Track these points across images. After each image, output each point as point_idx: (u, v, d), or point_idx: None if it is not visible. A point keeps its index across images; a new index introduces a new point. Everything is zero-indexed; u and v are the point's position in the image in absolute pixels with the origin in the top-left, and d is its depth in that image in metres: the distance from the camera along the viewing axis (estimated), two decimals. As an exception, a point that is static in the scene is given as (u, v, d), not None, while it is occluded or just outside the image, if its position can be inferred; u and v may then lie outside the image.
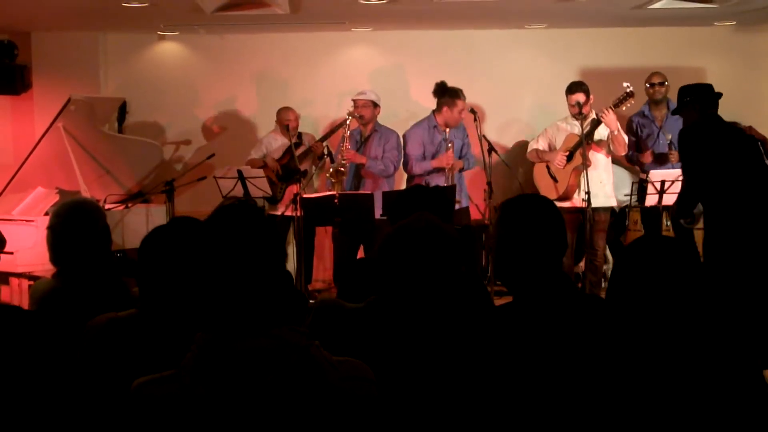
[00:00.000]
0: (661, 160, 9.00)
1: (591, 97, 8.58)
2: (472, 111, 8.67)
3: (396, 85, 10.45)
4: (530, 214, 3.05)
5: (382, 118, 9.18)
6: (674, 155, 8.65)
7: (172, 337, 2.83)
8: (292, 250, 9.11)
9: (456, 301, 2.99)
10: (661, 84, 9.09)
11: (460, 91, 8.72)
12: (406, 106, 10.28)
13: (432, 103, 8.94)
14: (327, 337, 2.84)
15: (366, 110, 8.97)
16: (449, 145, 8.60)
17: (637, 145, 9.23)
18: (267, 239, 2.45)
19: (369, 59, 10.59)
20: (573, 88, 8.61)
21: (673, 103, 8.90)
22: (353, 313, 3.09)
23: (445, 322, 2.96)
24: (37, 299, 3.70)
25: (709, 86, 6.78)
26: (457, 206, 8.45)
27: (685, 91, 6.78)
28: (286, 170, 9.16)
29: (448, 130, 8.66)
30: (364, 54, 10.61)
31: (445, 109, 8.72)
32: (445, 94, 8.73)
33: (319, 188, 9.79)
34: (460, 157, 8.82)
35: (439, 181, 8.56)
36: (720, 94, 6.69)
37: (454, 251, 3.01)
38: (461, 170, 8.83)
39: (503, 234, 3.06)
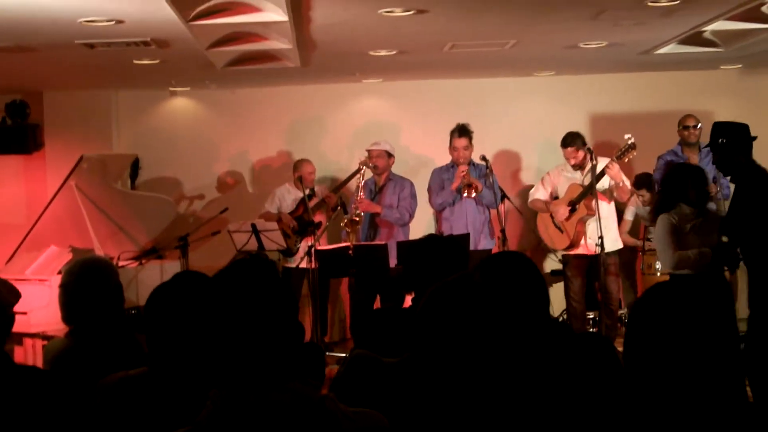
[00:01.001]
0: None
1: (586, 146, 8.65)
2: (484, 158, 8.69)
3: (407, 134, 10.45)
4: (507, 271, 3.29)
5: (393, 167, 9.19)
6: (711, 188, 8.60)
7: (184, 395, 2.80)
8: (307, 302, 9.05)
9: (496, 360, 2.99)
10: (695, 126, 9.05)
11: (457, 128, 8.86)
12: (417, 155, 10.28)
13: (441, 151, 9.00)
14: (360, 390, 2.81)
15: (380, 160, 9.00)
16: (461, 167, 8.74)
17: None
18: (279, 293, 2.42)
19: (380, 109, 10.61)
20: (566, 142, 8.71)
21: (703, 143, 8.87)
22: (389, 368, 3.06)
23: (483, 381, 2.94)
24: (51, 359, 3.69)
25: (746, 126, 6.72)
26: (479, 247, 8.52)
27: (721, 130, 6.68)
28: (301, 222, 9.13)
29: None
30: (375, 104, 10.63)
31: (449, 148, 8.89)
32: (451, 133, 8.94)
33: (336, 239, 9.76)
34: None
35: (469, 210, 8.80)
36: (755, 137, 6.66)
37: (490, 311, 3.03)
38: (477, 192, 8.77)
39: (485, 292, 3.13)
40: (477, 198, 8.73)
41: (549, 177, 8.95)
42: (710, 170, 8.21)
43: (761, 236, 6.28)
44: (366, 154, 9.13)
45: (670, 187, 6.70)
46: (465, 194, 8.63)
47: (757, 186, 6.38)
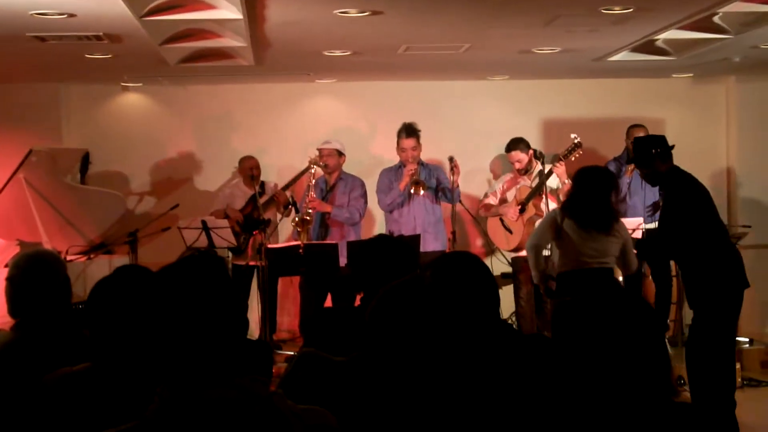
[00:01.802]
0: (656, 209, 9.02)
1: (531, 150, 8.85)
2: (450, 159, 8.76)
3: (360, 135, 10.47)
4: (458, 271, 3.31)
5: (346, 167, 9.20)
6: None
7: (128, 390, 2.80)
8: (256, 300, 9.04)
9: (444, 360, 3.02)
10: None
11: (404, 128, 8.92)
12: (370, 155, 10.31)
13: (394, 152, 9.09)
14: (309, 388, 2.82)
15: (331, 159, 9.00)
16: (409, 165, 8.78)
17: None
18: (224, 289, 2.42)
19: (333, 110, 10.62)
20: (510, 147, 8.90)
21: None
22: (338, 366, 3.08)
23: (431, 380, 2.97)
24: (-5, 352, 3.64)
25: (665, 137, 6.82)
26: (429, 248, 8.53)
27: (650, 143, 6.77)
28: (250, 220, 9.12)
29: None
30: (328, 104, 10.64)
31: (397, 149, 8.98)
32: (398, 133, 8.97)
33: (287, 238, 9.75)
34: (435, 192, 8.86)
35: (419, 211, 8.85)
36: (673, 146, 6.74)
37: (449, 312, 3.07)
38: (433, 191, 8.84)
39: (433, 292, 3.22)
40: (428, 194, 8.78)
41: (497, 184, 9.10)
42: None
43: (694, 237, 6.46)
44: (317, 152, 9.14)
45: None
46: (413, 191, 8.65)
47: (685, 190, 6.55)
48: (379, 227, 9.74)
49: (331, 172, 9.08)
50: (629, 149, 9.09)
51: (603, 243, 6.67)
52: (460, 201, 8.81)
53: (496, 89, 10.62)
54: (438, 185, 8.88)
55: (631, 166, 8.94)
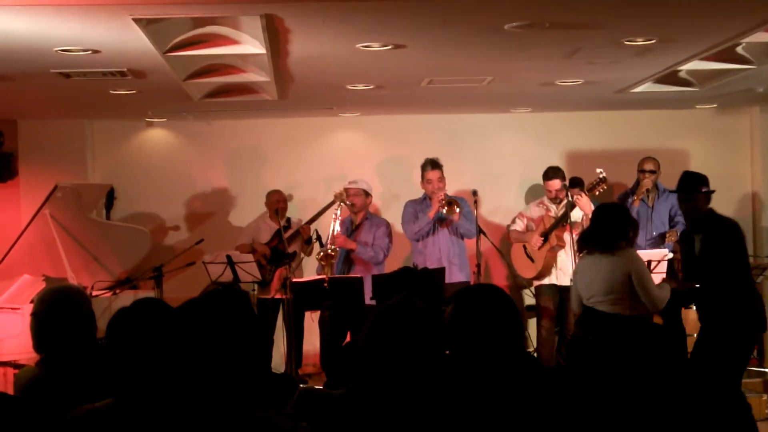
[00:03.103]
0: (660, 241, 9.01)
1: (565, 180, 8.85)
2: (474, 192, 8.88)
3: (383, 168, 10.47)
4: (482, 303, 3.28)
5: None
6: (672, 235, 8.76)
7: (150, 426, 2.77)
8: (282, 334, 9.03)
9: (438, 385, 3.01)
10: (652, 172, 9.11)
11: (428, 161, 8.96)
12: (392, 190, 10.31)
13: (416, 186, 9.13)
14: (309, 424, 2.80)
15: (358, 198, 9.01)
16: (439, 192, 8.81)
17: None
18: (248, 324, 2.42)
19: (356, 144, 10.64)
20: (550, 175, 8.93)
21: (662, 185, 9.00)
22: (335, 399, 3.05)
23: (424, 407, 2.93)
24: (21, 387, 3.64)
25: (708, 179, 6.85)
26: (453, 280, 8.56)
27: (699, 180, 6.77)
28: (275, 253, 9.14)
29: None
30: (352, 138, 10.66)
31: (422, 182, 9.00)
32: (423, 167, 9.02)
33: (313, 273, 9.74)
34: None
35: (444, 242, 8.89)
36: (714, 191, 6.83)
37: (436, 334, 3.03)
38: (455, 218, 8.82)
39: (456, 324, 3.25)
40: (453, 228, 8.80)
41: (525, 212, 9.15)
42: (668, 213, 8.51)
43: (727, 280, 6.52)
44: (342, 189, 9.14)
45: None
46: (445, 211, 8.65)
47: (727, 236, 6.57)
48: (404, 261, 9.71)
49: (358, 211, 9.07)
50: (640, 180, 9.11)
51: (600, 274, 6.44)
52: (483, 233, 8.77)
53: (519, 122, 10.61)
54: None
55: (638, 197, 8.95)
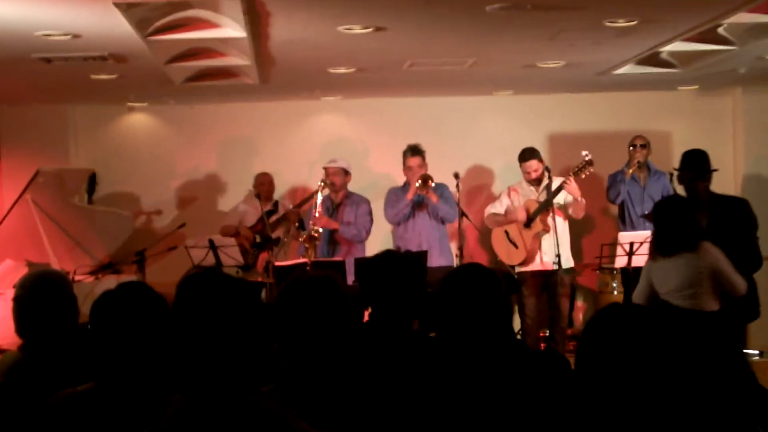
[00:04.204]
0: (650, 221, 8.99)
1: (543, 161, 8.76)
2: (456, 175, 8.80)
3: (366, 152, 10.49)
4: (468, 284, 3.30)
5: (351, 184, 9.20)
6: None
7: (131, 410, 2.79)
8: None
9: (450, 375, 3.09)
10: (644, 146, 9.07)
11: (409, 148, 8.92)
12: (376, 172, 10.31)
13: (400, 169, 9.08)
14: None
15: (337, 177, 9.00)
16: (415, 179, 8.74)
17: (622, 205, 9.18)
18: (236, 306, 2.43)
19: (338, 127, 10.64)
20: (527, 156, 8.74)
21: (653, 165, 8.99)
22: None
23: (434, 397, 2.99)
24: (3, 372, 3.64)
25: None
26: (434, 264, 8.50)
27: (706, 158, 6.78)
28: (261, 237, 9.14)
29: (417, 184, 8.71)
30: (334, 122, 10.66)
31: (403, 169, 8.97)
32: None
33: (291, 255, 9.72)
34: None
35: (424, 227, 8.85)
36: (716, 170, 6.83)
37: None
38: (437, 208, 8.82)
39: (444, 300, 3.29)
40: (433, 212, 8.78)
41: (504, 194, 8.99)
42: (660, 194, 8.45)
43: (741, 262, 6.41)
44: (323, 171, 9.13)
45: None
46: (418, 185, 8.57)
47: (744, 214, 6.55)
48: (384, 246, 9.71)
49: (338, 190, 9.08)
50: (631, 156, 9.05)
51: (678, 270, 6.19)
52: (465, 215, 8.77)
53: (502, 104, 10.62)
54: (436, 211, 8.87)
55: (630, 168, 8.91)
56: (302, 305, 3.09)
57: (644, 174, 9.11)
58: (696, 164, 6.86)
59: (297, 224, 9.11)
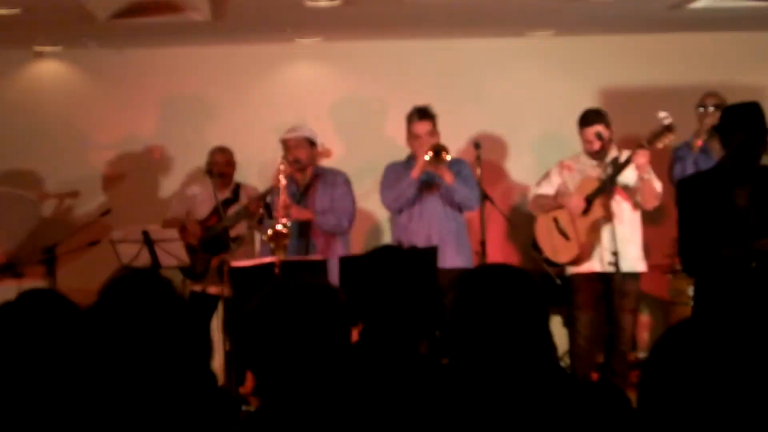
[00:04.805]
0: None
1: (612, 128, 8.57)
2: (476, 144, 8.67)
3: (355, 114, 10.50)
4: (494, 291, 3.22)
5: (344, 162, 9.14)
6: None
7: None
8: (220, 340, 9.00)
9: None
10: (717, 107, 9.01)
11: (415, 111, 8.79)
12: (369, 143, 10.30)
13: (399, 137, 9.11)
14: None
15: (301, 151, 8.87)
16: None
17: None
18: (176, 325, 2.39)
19: (318, 79, 10.62)
20: (589, 119, 8.59)
21: None
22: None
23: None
24: None
25: None
26: (448, 264, 8.42)
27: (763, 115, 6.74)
28: (212, 236, 9.03)
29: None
30: (312, 73, 10.65)
31: (408, 137, 8.86)
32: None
33: (257, 254, 9.65)
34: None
35: (435, 215, 8.78)
36: None
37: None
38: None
39: (459, 320, 3.22)
40: (446, 194, 8.67)
41: (555, 170, 8.87)
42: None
43: None
44: (279, 139, 9.02)
45: None
46: (428, 158, 8.45)
47: None
48: (371, 239, 9.69)
49: (304, 167, 8.97)
50: (701, 120, 9.02)
51: None
52: (489, 199, 8.69)
53: (538, 49, 10.60)
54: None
55: (700, 138, 8.88)
56: (287, 326, 3.00)
57: (719, 145, 9.02)
58: (754, 123, 6.78)
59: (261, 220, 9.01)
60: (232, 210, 9.12)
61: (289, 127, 9.06)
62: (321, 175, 9.04)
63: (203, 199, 9.36)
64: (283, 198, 8.65)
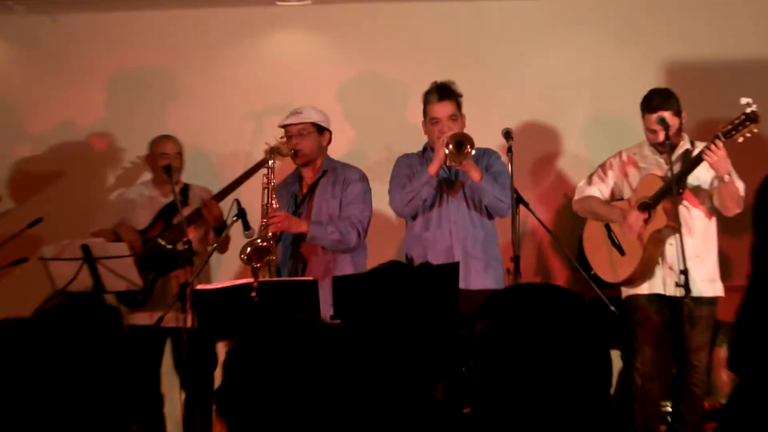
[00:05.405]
0: None
1: (684, 114, 8.56)
2: (507, 133, 8.51)
3: (354, 94, 10.51)
4: (530, 318, 3.14)
5: (345, 156, 9.14)
6: None
7: None
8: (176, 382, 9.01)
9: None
10: None
11: (435, 88, 8.77)
12: (371, 130, 10.34)
13: (412, 123, 9.17)
14: None
15: (305, 141, 8.81)
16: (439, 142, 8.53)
17: None
18: (117, 368, 2.39)
19: (307, 51, 10.63)
20: (653, 103, 8.58)
21: None
22: None
23: None
24: None
25: None
26: (472, 285, 8.44)
27: None
28: (156, 250, 9.00)
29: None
30: (300, 42, 10.67)
31: (424, 121, 8.84)
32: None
33: (236, 275, 9.63)
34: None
35: (457, 221, 8.73)
36: None
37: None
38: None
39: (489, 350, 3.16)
40: (471, 195, 8.67)
41: (613, 163, 8.90)
42: None
43: None
44: (276, 136, 8.98)
45: None
46: (448, 152, 8.37)
47: None
48: (391, 254, 9.68)
49: (308, 162, 8.94)
50: None
51: None
52: (525, 204, 8.65)
53: (583, 10, 10.59)
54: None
55: None
56: (270, 375, 3.00)
57: None
58: None
59: (235, 218, 8.84)
60: (184, 214, 9.01)
61: (292, 110, 8.95)
62: (330, 172, 8.97)
63: (142, 202, 9.38)
64: (272, 203, 8.57)
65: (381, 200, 9.08)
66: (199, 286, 8.25)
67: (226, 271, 9.66)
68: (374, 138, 10.31)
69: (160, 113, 10.27)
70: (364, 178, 8.96)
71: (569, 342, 3.13)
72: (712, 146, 8.09)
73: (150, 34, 10.51)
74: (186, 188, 9.42)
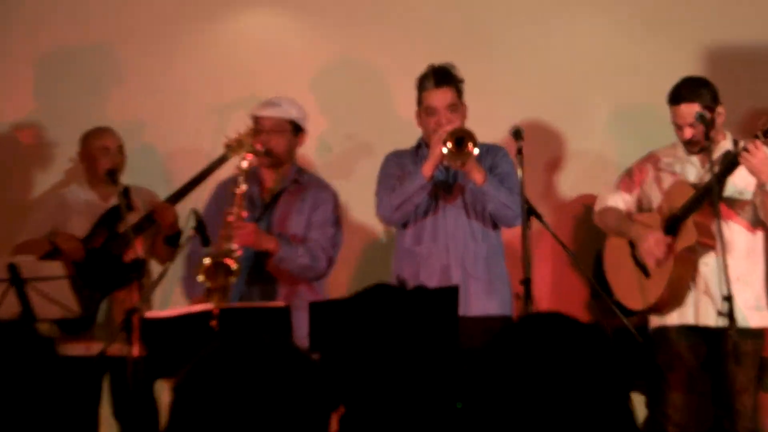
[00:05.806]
0: None
1: (721, 109, 8.50)
2: (516, 132, 8.45)
3: (337, 86, 10.52)
4: (542, 353, 3.19)
5: (319, 158, 9.12)
6: None
7: None
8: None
9: None
10: None
11: (431, 72, 8.79)
12: (356, 126, 10.38)
13: (404, 118, 9.28)
14: None
15: (279, 139, 8.84)
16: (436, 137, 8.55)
17: None
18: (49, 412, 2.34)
19: (280, 36, 10.63)
20: (682, 95, 8.54)
21: None
22: None
23: None
24: None
25: None
26: (473, 311, 8.40)
27: None
28: (100, 262, 8.96)
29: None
30: (271, 26, 10.69)
31: (418, 111, 8.87)
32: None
33: (194, 300, 9.56)
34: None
35: (456, 234, 8.71)
36: None
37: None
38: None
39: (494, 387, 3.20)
40: (472, 201, 8.66)
41: (642, 167, 8.85)
42: None
43: None
44: (251, 114, 8.97)
45: None
46: (446, 151, 8.35)
47: None
48: (359, 274, 9.67)
49: (278, 164, 8.92)
50: None
51: None
52: (536, 215, 8.59)
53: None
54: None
55: None
56: (230, 411, 2.98)
57: None
58: None
59: (192, 228, 8.79)
60: (130, 222, 8.95)
61: (265, 99, 8.95)
62: (301, 183, 8.97)
63: (76, 207, 9.34)
64: (236, 211, 8.48)
65: (366, 209, 9.13)
66: (149, 314, 8.21)
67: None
68: (355, 135, 10.28)
69: (98, 101, 10.24)
70: (336, 198, 9.05)
71: (586, 381, 3.17)
72: (750, 147, 7.99)
73: (87, 8, 10.46)
74: (126, 191, 9.31)
